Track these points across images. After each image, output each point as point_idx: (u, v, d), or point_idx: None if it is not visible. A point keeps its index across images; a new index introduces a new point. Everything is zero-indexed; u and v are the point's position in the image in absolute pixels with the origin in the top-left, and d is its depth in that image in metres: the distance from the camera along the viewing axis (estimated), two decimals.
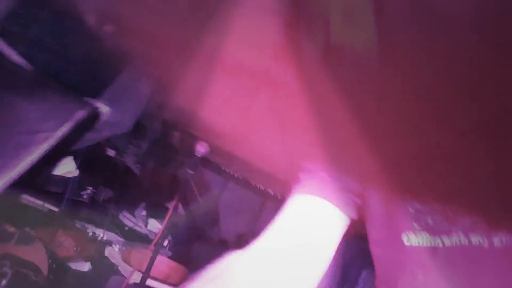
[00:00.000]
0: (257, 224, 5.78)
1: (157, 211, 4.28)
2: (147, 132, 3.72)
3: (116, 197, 3.20)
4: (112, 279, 2.30)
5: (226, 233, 5.40)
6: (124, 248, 2.79)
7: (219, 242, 5.08)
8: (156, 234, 3.86)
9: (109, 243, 2.87)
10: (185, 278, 2.63)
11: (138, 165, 3.99)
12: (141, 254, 2.40)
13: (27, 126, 1.61)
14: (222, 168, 5.78)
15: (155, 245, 2.40)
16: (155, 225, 3.94)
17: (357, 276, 4.30)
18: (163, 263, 2.44)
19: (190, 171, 1.97)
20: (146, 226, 3.96)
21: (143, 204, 4.35)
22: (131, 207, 4.12)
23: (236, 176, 5.75)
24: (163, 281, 2.42)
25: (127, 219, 3.90)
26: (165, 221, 1.94)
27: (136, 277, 2.26)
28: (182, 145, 4.68)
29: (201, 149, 1.93)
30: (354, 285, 4.16)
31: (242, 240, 5.43)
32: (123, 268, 2.41)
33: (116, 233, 3.36)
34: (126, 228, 3.77)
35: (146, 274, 1.75)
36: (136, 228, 3.87)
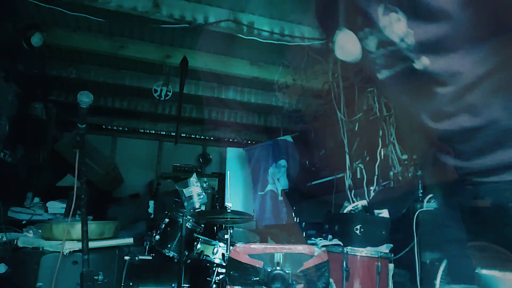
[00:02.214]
0: (160, 166, 5.76)
1: (51, 192, 3.87)
2: (1, 109, 3.14)
3: None
4: (44, 258, 2.10)
5: (135, 186, 5.27)
6: (39, 230, 2.51)
7: (131, 197, 4.95)
8: (61, 215, 3.55)
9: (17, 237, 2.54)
10: (117, 230, 2.58)
11: (6, 152, 3.41)
12: (64, 225, 2.21)
13: None
14: (106, 126, 5.37)
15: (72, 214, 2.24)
16: (56, 206, 3.58)
17: None
18: (92, 224, 2.33)
19: (80, 131, 1.75)
20: (46, 211, 3.58)
21: (30, 193, 3.85)
22: (18, 200, 3.63)
23: (122, 128, 5.44)
24: (99, 239, 2.34)
25: (21, 213, 3.44)
26: (73, 199, 1.77)
27: (70, 246, 2.12)
28: (49, 115, 4.12)
29: (85, 98, 1.71)
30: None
31: (151, 187, 5.38)
32: (49, 245, 2.20)
33: (15, 231, 2.96)
34: (24, 222, 3.35)
35: (85, 239, 1.65)
36: (36, 217, 3.46)
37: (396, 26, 0.66)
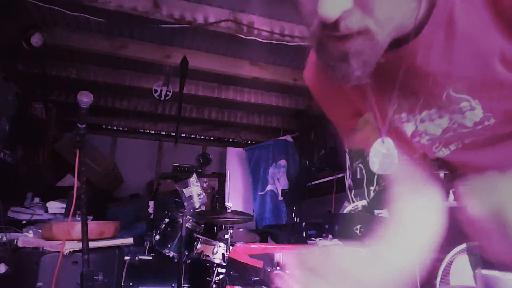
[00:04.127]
0: (160, 166, 5.76)
1: (51, 192, 3.87)
2: (1, 109, 3.14)
3: None
4: (44, 258, 2.10)
5: (135, 186, 5.27)
6: (40, 230, 2.51)
7: (131, 197, 4.95)
8: (61, 215, 3.55)
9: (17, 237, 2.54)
10: (117, 230, 2.58)
11: (6, 152, 3.41)
12: (64, 225, 2.21)
13: None
14: (106, 126, 5.37)
15: (72, 214, 2.24)
16: (56, 206, 3.58)
17: None
18: (92, 224, 2.33)
19: (80, 131, 1.73)
20: (46, 211, 3.58)
21: (30, 193, 3.85)
22: (18, 200, 3.63)
23: (122, 129, 5.44)
24: (99, 239, 2.34)
25: (21, 213, 3.44)
26: (73, 199, 1.76)
27: (70, 246, 2.12)
28: (49, 115, 4.12)
29: (85, 98, 1.69)
30: None
31: (151, 187, 5.38)
32: (49, 245, 2.20)
33: (15, 231, 2.96)
34: (24, 222, 3.35)
35: (85, 239, 1.65)
36: (36, 217, 3.46)
37: (469, 114, 0.56)
